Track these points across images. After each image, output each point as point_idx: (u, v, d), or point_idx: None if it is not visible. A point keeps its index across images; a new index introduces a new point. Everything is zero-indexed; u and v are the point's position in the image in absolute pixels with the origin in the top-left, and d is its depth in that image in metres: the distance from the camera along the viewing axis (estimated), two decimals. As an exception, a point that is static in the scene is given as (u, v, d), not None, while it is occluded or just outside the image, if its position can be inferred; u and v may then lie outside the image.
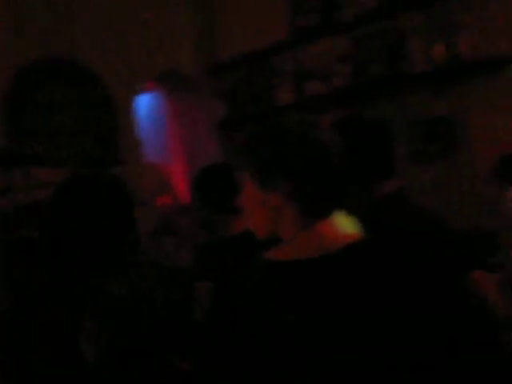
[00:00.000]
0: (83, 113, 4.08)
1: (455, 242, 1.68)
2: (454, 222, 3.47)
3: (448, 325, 1.20)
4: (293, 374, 1.13)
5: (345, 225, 1.28)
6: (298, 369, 1.13)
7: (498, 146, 3.49)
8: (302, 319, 1.14)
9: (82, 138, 4.04)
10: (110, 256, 1.69)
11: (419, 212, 1.74)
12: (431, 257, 1.46)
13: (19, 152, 3.68)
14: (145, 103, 4.95)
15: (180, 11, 4.77)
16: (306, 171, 1.23)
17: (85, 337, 1.57)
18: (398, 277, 1.19)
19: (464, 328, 1.22)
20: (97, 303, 1.61)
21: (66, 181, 1.75)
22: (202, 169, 2.45)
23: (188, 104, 4.99)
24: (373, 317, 1.14)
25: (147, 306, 1.67)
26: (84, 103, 4.10)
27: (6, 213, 3.19)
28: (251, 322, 1.17)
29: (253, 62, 4.69)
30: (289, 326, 1.14)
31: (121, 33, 4.33)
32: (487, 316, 1.55)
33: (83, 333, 1.57)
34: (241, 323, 1.18)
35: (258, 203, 1.31)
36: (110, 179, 1.85)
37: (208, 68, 4.94)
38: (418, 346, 1.15)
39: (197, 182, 2.42)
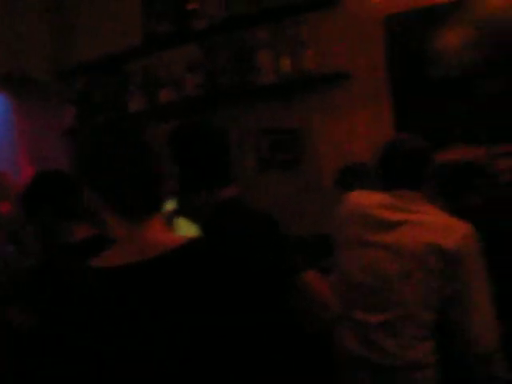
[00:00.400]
0: None
1: (289, 245, 1.75)
2: (298, 228, 3.64)
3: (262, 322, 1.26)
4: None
5: (170, 228, 1.30)
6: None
7: (341, 156, 3.70)
8: (112, 327, 1.14)
9: None
10: None
11: (256, 217, 1.79)
12: (258, 259, 1.53)
13: None
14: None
15: (31, 13, 4.59)
16: (111, 175, 1.23)
17: None
18: (219, 278, 1.21)
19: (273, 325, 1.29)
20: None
21: None
22: (37, 175, 2.36)
23: (36, 109, 4.80)
24: (187, 319, 1.15)
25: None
26: None
27: None
28: (74, 329, 1.16)
29: (105, 67, 4.60)
30: (103, 334, 1.14)
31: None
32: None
33: None
34: (67, 330, 1.17)
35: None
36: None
37: (58, 72, 4.79)
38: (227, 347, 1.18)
39: (33, 189, 2.32)
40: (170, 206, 1.84)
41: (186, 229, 1.93)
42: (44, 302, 1.25)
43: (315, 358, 2.04)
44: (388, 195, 2.06)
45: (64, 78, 4.80)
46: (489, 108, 3.38)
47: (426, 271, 1.88)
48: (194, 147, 1.81)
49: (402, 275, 1.90)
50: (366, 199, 2.11)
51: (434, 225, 1.94)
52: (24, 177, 4.60)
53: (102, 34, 4.62)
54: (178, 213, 1.87)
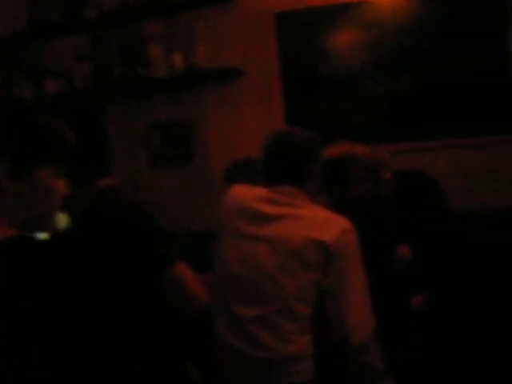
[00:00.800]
0: None
1: (162, 236, 1.72)
2: (188, 223, 3.61)
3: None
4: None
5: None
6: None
7: (233, 151, 3.70)
8: None
9: None
10: None
11: (130, 208, 1.76)
12: (129, 248, 1.49)
13: None
14: None
15: None
16: None
17: None
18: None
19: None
20: None
21: None
22: None
23: None
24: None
25: None
26: None
27: None
28: None
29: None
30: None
31: None
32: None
33: None
34: None
35: None
36: None
37: None
38: None
39: None
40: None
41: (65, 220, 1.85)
42: None
43: (193, 349, 2.03)
44: (268, 189, 2.07)
45: None
46: (375, 107, 3.51)
47: (303, 265, 1.89)
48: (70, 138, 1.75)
49: (279, 268, 1.91)
50: (246, 193, 2.10)
51: (312, 219, 1.96)
52: None
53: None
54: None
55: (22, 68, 4.22)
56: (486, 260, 3.00)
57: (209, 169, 3.86)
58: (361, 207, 2.42)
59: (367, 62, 3.51)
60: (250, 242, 1.98)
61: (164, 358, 1.50)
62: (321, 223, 1.96)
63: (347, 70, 3.55)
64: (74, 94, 3.97)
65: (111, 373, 1.23)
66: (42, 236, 1.33)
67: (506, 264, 3.01)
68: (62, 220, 1.75)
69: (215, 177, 3.76)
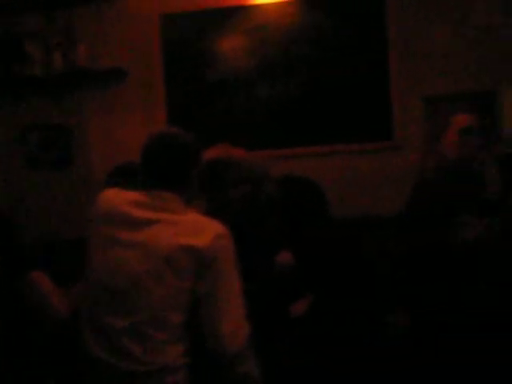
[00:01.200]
0: None
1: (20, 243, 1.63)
2: (69, 230, 3.46)
3: None
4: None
5: None
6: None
7: (115, 154, 3.57)
8: None
9: None
10: None
11: None
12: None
13: None
14: None
15: None
16: None
17: None
18: None
19: None
20: None
21: None
22: None
23: None
24: None
25: None
26: None
27: None
28: None
29: None
30: None
31: None
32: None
33: None
34: None
35: None
36: None
37: None
38: None
39: None
40: None
41: None
42: None
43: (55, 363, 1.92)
44: (142, 193, 1.97)
45: None
46: (260, 111, 3.51)
47: (176, 272, 1.82)
48: None
49: (151, 276, 1.82)
50: (118, 197, 1.99)
51: (185, 224, 1.89)
52: None
53: None
54: None
55: None
56: (365, 266, 3.04)
57: (90, 173, 3.71)
58: (238, 210, 2.38)
59: (252, 66, 3.50)
60: (120, 248, 1.88)
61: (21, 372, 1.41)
62: (194, 229, 1.89)
63: (232, 75, 3.53)
64: None
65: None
66: None
67: (384, 271, 3.07)
68: None
69: (96, 181, 3.62)
